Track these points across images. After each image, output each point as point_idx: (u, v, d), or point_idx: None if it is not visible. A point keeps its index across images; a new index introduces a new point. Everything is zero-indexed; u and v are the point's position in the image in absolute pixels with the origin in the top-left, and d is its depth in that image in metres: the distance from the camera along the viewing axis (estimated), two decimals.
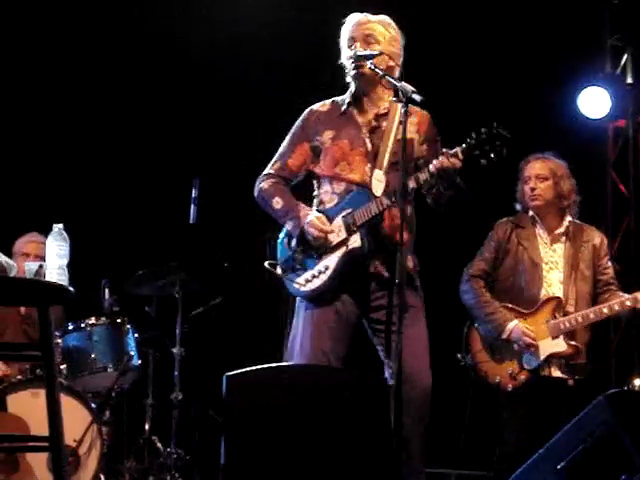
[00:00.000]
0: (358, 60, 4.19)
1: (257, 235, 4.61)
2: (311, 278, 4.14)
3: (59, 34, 6.69)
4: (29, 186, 6.64)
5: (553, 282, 5.08)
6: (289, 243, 4.24)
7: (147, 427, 5.80)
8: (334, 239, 4.15)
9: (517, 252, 5.14)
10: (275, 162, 4.37)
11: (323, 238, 4.13)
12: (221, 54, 6.78)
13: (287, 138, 4.39)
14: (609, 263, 5.19)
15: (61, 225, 3.75)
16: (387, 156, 4.21)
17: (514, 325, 4.98)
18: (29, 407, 4.73)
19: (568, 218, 5.16)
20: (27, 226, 5.57)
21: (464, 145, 4.05)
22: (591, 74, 6.87)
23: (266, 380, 3.55)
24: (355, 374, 3.68)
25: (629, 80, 6.84)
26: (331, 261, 4.13)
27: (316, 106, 4.39)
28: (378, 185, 4.17)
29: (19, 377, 4.99)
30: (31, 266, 3.70)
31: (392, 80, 4.05)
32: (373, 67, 4.09)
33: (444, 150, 4.06)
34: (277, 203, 4.26)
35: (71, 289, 3.68)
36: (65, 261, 3.72)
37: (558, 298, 5.01)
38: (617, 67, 6.93)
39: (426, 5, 6.74)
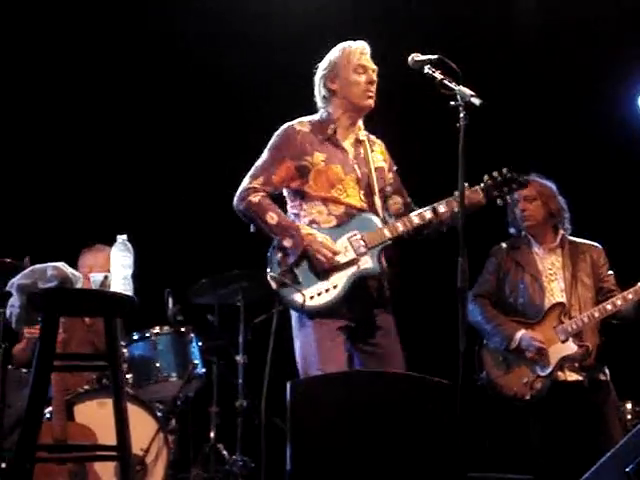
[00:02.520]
0: (416, 65, 4.17)
1: None
2: (317, 294, 4.17)
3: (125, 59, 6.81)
4: (93, 198, 6.72)
5: (555, 292, 5.18)
6: (284, 258, 4.23)
7: (212, 435, 5.83)
8: (340, 259, 4.20)
9: (516, 272, 5.26)
10: (257, 176, 4.33)
11: (331, 259, 4.17)
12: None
13: (268, 153, 4.37)
14: (609, 272, 5.27)
15: (125, 236, 3.80)
16: (376, 183, 4.37)
17: (522, 334, 5.08)
18: (96, 417, 4.78)
19: (561, 232, 5.29)
20: (92, 238, 5.63)
21: (482, 185, 4.29)
22: None
23: (330, 386, 3.56)
24: (420, 379, 3.67)
25: None
26: (340, 279, 4.18)
27: (296, 125, 4.39)
28: (380, 212, 4.34)
29: (86, 387, 5.04)
30: (97, 277, 3.75)
31: (449, 84, 4.02)
32: (432, 72, 4.08)
33: (466, 186, 4.15)
34: (271, 218, 4.23)
35: (136, 299, 3.74)
36: (130, 271, 3.77)
37: (562, 303, 5.10)
38: None
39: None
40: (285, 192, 4.40)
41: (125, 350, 5.31)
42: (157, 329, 5.47)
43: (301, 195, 4.34)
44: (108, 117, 6.87)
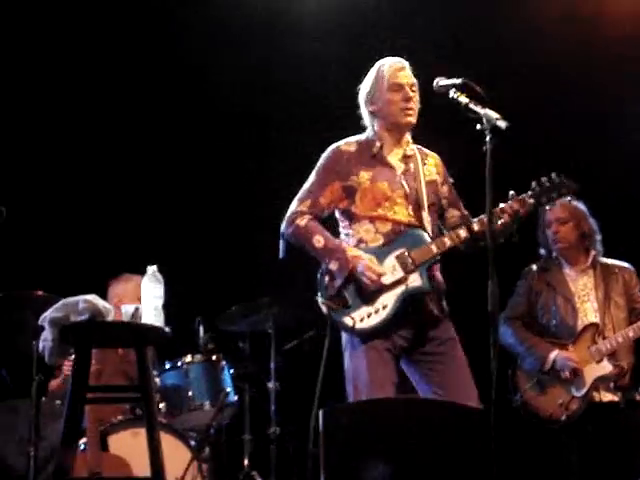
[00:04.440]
0: (441, 89, 4.16)
1: None
2: (367, 315, 4.16)
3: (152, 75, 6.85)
4: (122, 229, 6.75)
5: (588, 312, 5.17)
6: (331, 282, 4.23)
7: (246, 462, 5.81)
8: (388, 279, 4.19)
9: (548, 293, 5.26)
10: (305, 199, 4.35)
11: (376, 281, 4.16)
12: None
13: (314, 175, 4.40)
14: None
15: (155, 267, 3.82)
16: (425, 198, 4.33)
17: (556, 354, 5.08)
18: (130, 447, 4.78)
19: (592, 253, 5.27)
20: (121, 269, 5.66)
21: (530, 192, 4.28)
22: None
23: (363, 414, 3.55)
24: (453, 405, 3.66)
25: None
26: (389, 299, 4.18)
27: (342, 146, 4.42)
28: (428, 227, 4.30)
29: (120, 417, 5.06)
30: (128, 309, 3.77)
31: (475, 108, 4.01)
32: (457, 96, 4.07)
33: (511, 194, 4.25)
34: (318, 242, 4.24)
35: (167, 329, 3.75)
36: (160, 302, 3.78)
37: (595, 324, 5.09)
38: None
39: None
40: (337, 213, 4.41)
41: (157, 379, 5.32)
42: (189, 358, 5.47)
43: (349, 216, 4.35)
44: (137, 148, 6.90)
